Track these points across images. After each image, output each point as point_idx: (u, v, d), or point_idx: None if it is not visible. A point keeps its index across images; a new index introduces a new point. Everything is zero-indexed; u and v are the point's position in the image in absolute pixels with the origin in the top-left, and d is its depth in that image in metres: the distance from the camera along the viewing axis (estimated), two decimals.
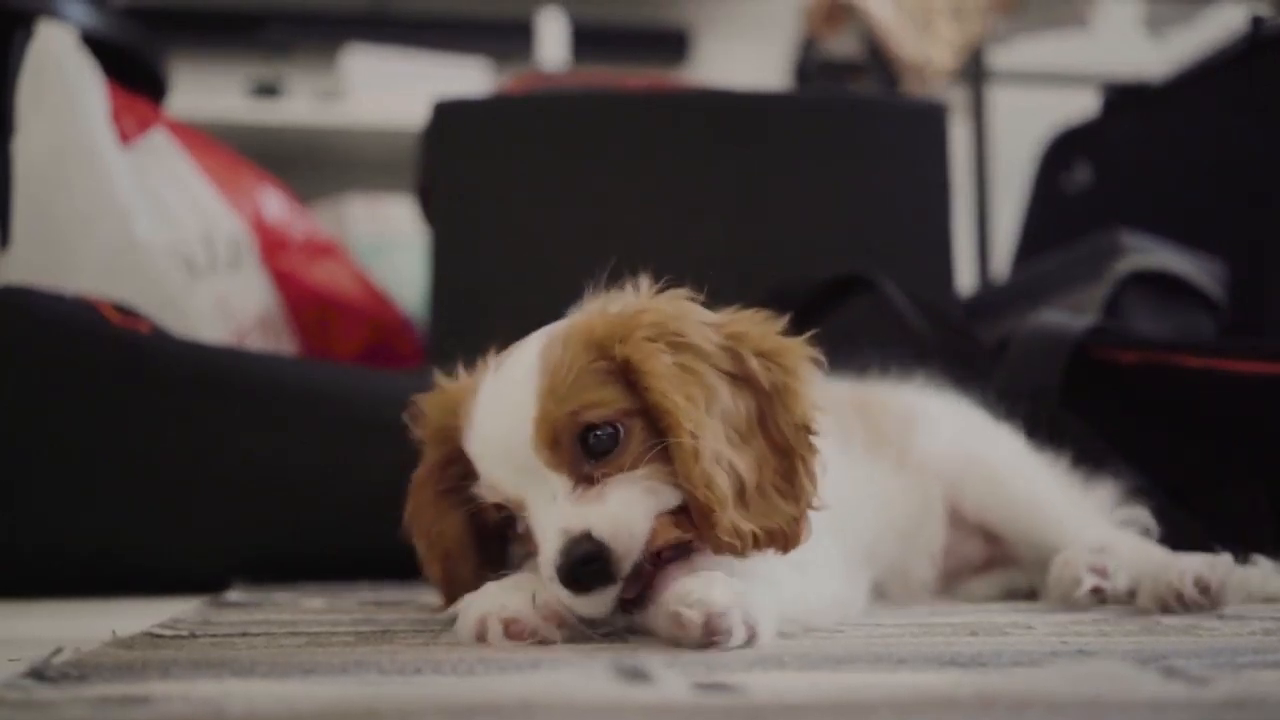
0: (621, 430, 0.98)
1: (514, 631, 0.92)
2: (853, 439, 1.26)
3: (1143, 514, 1.37)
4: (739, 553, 0.96)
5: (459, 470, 1.06)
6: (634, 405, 0.98)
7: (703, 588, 0.92)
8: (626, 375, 0.99)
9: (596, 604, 0.95)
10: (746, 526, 0.96)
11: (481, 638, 0.93)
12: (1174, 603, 1.14)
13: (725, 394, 1.00)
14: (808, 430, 1.01)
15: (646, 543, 0.95)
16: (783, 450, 1.00)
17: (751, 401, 1.01)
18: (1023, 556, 1.32)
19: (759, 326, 1.04)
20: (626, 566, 0.94)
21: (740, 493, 0.97)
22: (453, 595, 1.07)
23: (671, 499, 0.97)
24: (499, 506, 1.02)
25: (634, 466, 0.97)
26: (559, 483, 0.97)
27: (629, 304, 1.03)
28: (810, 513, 1.00)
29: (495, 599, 0.94)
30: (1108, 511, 1.37)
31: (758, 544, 0.97)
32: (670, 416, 0.96)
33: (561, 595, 0.95)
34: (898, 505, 1.29)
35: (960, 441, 1.37)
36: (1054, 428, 1.44)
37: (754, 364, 1.01)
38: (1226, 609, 1.14)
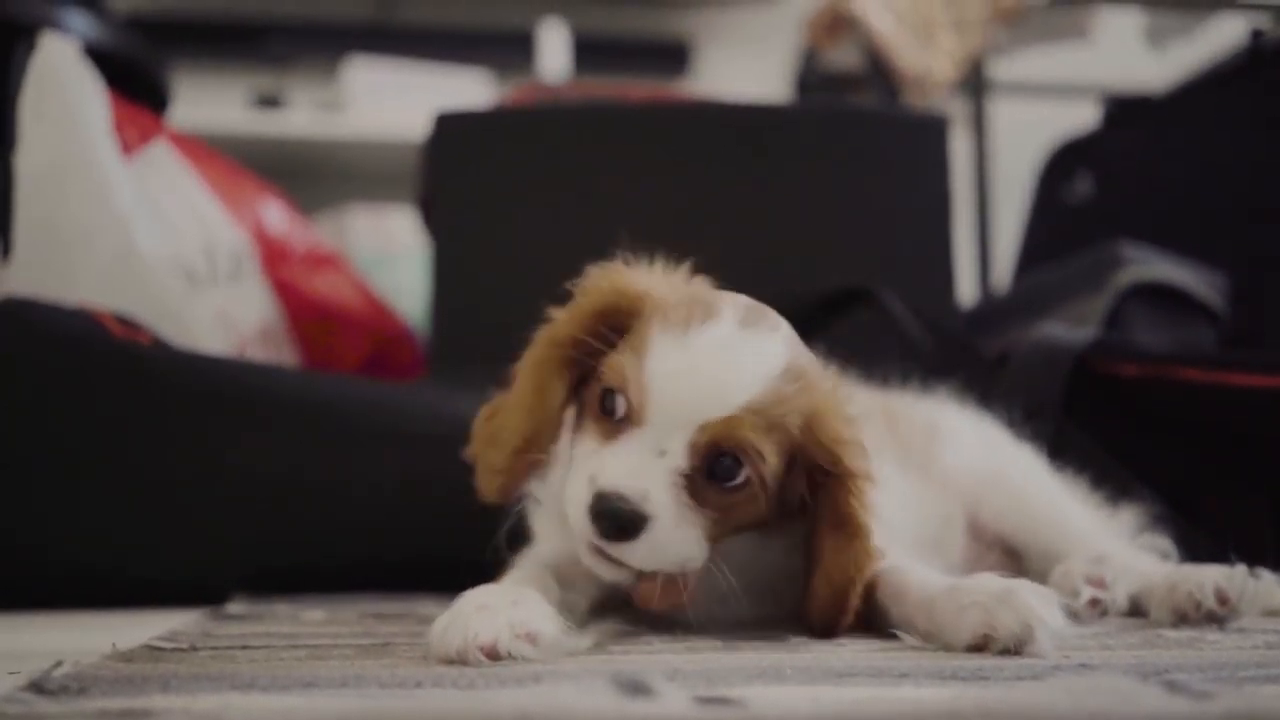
0: (744, 483, 1.01)
1: (489, 657, 0.92)
2: (886, 451, 1.27)
3: (1163, 541, 1.37)
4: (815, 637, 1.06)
5: (588, 349, 1.06)
6: (777, 482, 1.02)
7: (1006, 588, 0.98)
8: (827, 473, 1.03)
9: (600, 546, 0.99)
10: (840, 623, 1.06)
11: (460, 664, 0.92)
12: (1193, 614, 1.14)
13: None
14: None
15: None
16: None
17: None
18: (1039, 570, 1.32)
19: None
20: (635, 564, 1.00)
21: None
22: (517, 451, 1.09)
23: (698, 556, 1.02)
24: (614, 393, 1.03)
25: (719, 508, 1.01)
26: (679, 454, 0.99)
27: (838, 406, 1.05)
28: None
29: (468, 626, 0.93)
30: (1129, 535, 1.38)
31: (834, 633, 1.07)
32: (852, 531, 1.03)
33: (578, 517, 0.99)
34: (925, 518, 1.30)
35: (981, 455, 1.38)
36: (1056, 440, 1.44)
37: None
38: (1233, 623, 1.14)
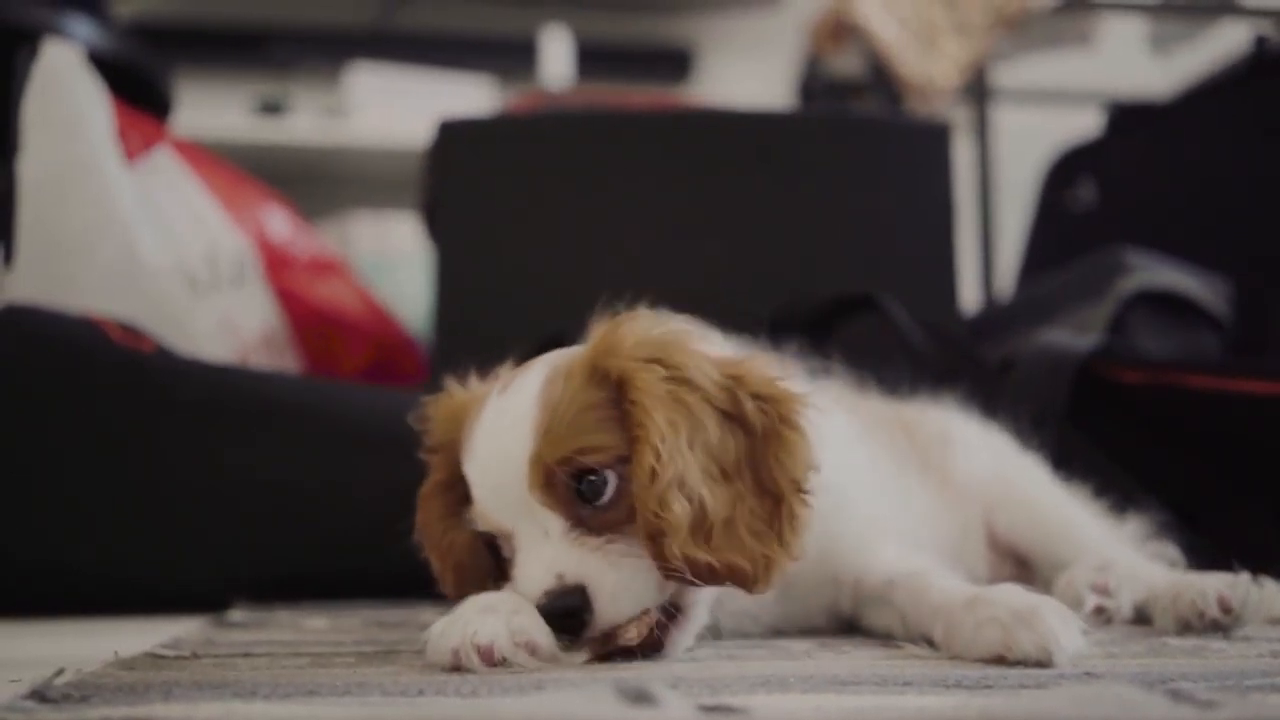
0: (614, 478, 0.98)
1: (486, 659, 0.91)
2: (907, 461, 1.26)
3: (1171, 549, 1.37)
4: (689, 581, 0.96)
5: (466, 484, 1.06)
6: (629, 449, 0.98)
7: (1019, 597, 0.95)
8: (622, 403, 0.99)
9: (572, 642, 0.97)
10: (702, 557, 0.95)
11: (457, 668, 0.92)
12: (1196, 622, 1.14)
13: (713, 428, 0.99)
14: (799, 486, 1.00)
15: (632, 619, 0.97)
16: (772, 496, 1.00)
17: (743, 442, 1.00)
18: (1047, 579, 1.32)
19: (761, 371, 1.03)
20: (603, 628, 0.96)
21: (700, 523, 0.96)
22: (457, 595, 1.09)
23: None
24: (488, 535, 1.04)
25: (631, 518, 0.98)
26: (553, 522, 0.98)
27: (632, 327, 1.02)
28: (787, 561, 0.99)
29: (468, 626, 0.93)
30: (1136, 543, 1.37)
31: (715, 575, 0.96)
32: (641, 434, 0.96)
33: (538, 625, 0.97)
34: (944, 527, 1.29)
35: (994, 465, 1.37)
36: (1061, 447, 1.44)
37: (749, 406, 1.00)
38: (1237, 631, 1.13)
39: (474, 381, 1.12)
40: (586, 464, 0.98)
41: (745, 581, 0.97)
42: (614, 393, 0.99)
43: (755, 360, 1.04)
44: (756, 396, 1.01)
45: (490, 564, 1.08)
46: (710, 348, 1.04)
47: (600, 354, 1.00)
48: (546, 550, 0.98)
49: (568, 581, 0.96)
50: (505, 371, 1.09)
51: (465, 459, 1.03)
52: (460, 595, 1.08)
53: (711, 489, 0.97)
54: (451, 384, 1.12)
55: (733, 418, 1.00)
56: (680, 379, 0.99)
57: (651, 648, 0.98)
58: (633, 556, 0.97)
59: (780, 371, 1.04)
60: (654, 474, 0.95)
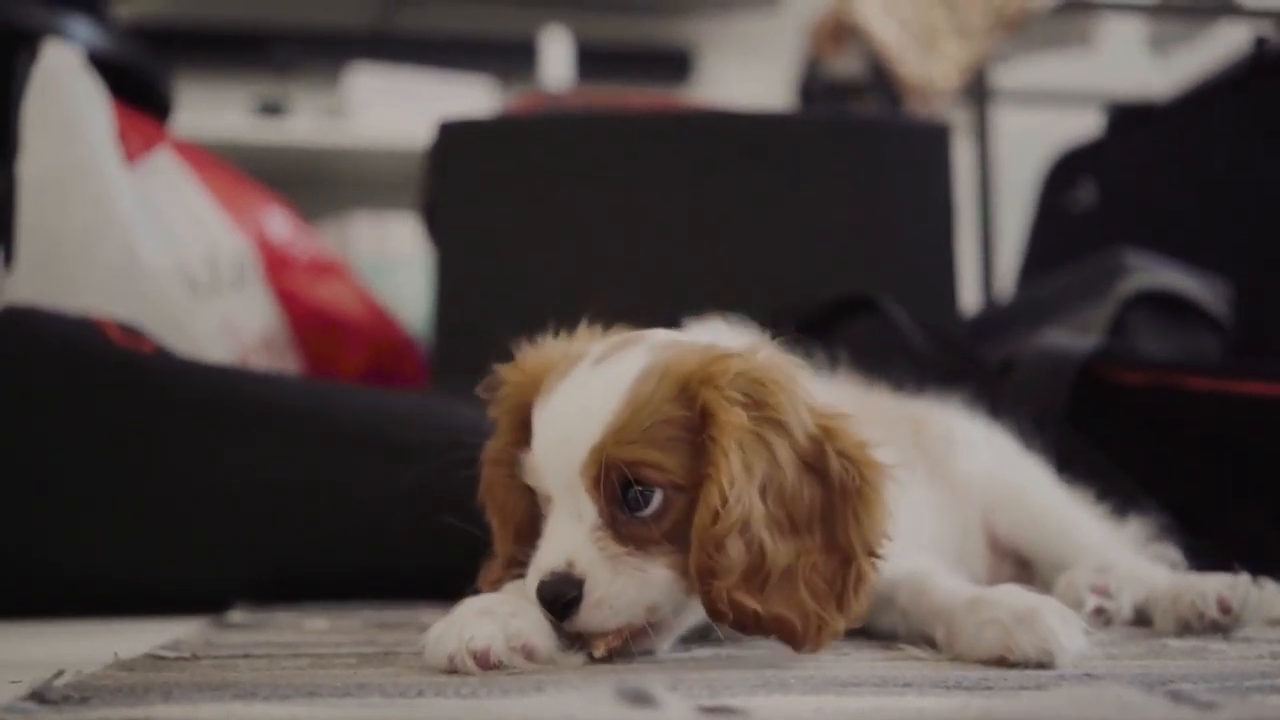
0: (661, 498, 0.98)
1: (481, 663, 0.92)
2: (912, 458, 1.26)
3: (1172, 552, 1.37)
4: (734, 625, 0.96)
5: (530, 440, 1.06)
6: (693, 478, 0.97)
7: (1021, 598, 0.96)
8: (704, 433, 0.97)
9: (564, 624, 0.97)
10: (750, 604, 0.95)
11: (453, 672, 0.92)
12: (1196, 623, 1.14)
13: (791, 475, 0.98)
14: (871, 549, 0.99)
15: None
16: (841, 554, 0.98)
17: (819, 494, 0.99)
18: (1048, 580, 1.32)
19: (854, 432, 1.01)
20: (579, 628, 0.97)
21: (756, 570, 0.95)
22: (507, 568, 1.10)
23: (675, 594, 0.99)
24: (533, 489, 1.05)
25: (667, 538, 0.98)
26: (589, 510, 0.98)
27: (733, 362, 1.00)
28: (842, 624, 0.98)
29: (464, 630, 0.93)
30: (1137, 545, 1.37)
31: (760, 626, 0.96)
32: (712, 472, 0.95)
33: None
34: (945, 526, 1.29)
35: (996, 465, 1.37)
36: (1060, 449, 1.44)
37: (834, 462, 0.99)
38: (1237, 632, 1.13)
39: (552, 342, 1.11)
40: (641, 476, 0.97)
41: (793, 639, 0.96)
42: (698, 417, 0.98)
43: (851, 421, 1.02)
44: (843, 455, 0.99)
45: (537, 519, 1.08)
46: (810, 389, 1.02)
47: (694, 378, 0.98)
48: (575, 532, 0.98)
49: (574, 572, 0.96)
50: (605, 334, 1.09)
51: (538, 410, 1.03)
52: (509, 557, 1.09)
53: (775, 537, 0.96)
54: (528, 345, 1.11)
55: (814, 469, 0.99)
56: (771, 420, 0.98)
57: (618, 652, 0.99)
58: (640, 573, 0.97)
59: (871, 439, 1.02)
60: (716, 516, 0.94)
